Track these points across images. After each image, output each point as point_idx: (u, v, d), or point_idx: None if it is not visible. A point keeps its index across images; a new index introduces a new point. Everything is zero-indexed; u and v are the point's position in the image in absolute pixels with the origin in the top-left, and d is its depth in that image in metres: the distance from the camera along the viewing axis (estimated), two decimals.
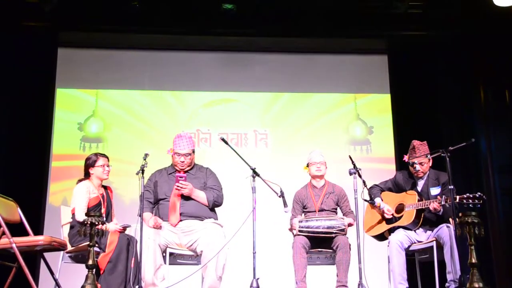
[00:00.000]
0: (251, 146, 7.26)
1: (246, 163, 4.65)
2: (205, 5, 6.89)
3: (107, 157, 4.99)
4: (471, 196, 4.54)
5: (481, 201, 4.53)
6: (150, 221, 4.71)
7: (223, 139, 4.76)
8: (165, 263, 4.68)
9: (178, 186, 4.76)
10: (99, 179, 4.93)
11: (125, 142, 7.15)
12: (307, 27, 7.13)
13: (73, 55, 7.34)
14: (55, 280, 4.49)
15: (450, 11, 6.88)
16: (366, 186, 4.91)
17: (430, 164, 5.07)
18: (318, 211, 5.15)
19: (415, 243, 4.93)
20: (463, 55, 7.08)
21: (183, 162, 4.94)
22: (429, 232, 4.92)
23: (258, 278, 4.32)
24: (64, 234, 4.89)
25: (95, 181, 4.92)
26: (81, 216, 4.61)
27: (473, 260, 3.80)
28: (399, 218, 4.98)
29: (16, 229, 4.38)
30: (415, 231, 4.94)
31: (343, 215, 5.22)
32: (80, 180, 4.95)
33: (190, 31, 7.24)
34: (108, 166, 4.94)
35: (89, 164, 4.93)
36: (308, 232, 4.94)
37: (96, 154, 4.96)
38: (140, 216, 4.50)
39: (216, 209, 5.00)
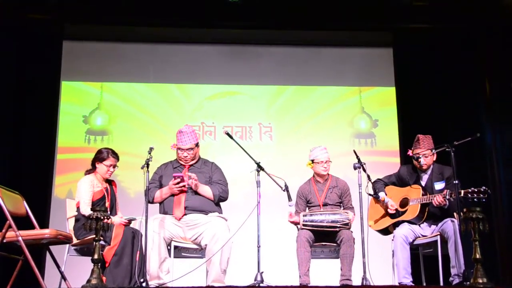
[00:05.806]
0: (256, 139, 7.25)
1: (251, 157, 4.63)
2: None
3: (117, 158, 4.99)
4: (476, 190, 4.52)
5: (485, 195, 4.50)
6: (165, 189, 4.78)
7: (227, 133, 4.76)
8: (169, 256, 4.70)
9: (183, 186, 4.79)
10: (101, 175, 4.95)
11: (130, 135, 7.16)
12: (312, 20, 7.10)
13: (78, 48, 7.33)
14: (61, 272, 4.51)
15: (456, 4, 6.83)
16: (370, 180, 4.90)
17: (434, 158, 5.06)
18: (322, 206, 5.14)
19: (419, 237, 4.93)
20: (469, 48, 7.04)
21: (186, 157, 4.95)
22: (433, 227, 4.92)
23: (262, 272, 4.33)
24: (69, 227, 4.92)
25: (99, 175, 4.94)
26: (85, 210, 4.65)
27: (477, 256, 3.81)
28: (404, 212, 4.98)
29: (22, 222, 4.39)
30: (419, 225, 4.94)
31: (344, 209, 5.21)
32: (87, 172, 4.98)
33: (195, 24, 7.24)
34: (114, 167, 4.96)
35: (98, 158, 4.95)
36: (312, 226, 4.94)
37: (108, 152, 4.95)
38: (145, 211, 4.50)
39: (221, 203, 5.01)
